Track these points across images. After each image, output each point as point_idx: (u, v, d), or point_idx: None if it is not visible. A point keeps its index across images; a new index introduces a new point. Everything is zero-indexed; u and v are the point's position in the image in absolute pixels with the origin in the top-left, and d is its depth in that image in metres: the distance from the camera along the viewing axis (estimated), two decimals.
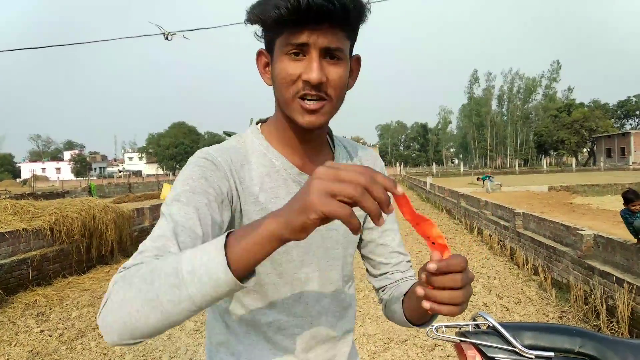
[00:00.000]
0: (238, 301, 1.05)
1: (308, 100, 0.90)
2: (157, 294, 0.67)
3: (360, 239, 1.20)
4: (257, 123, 1.08)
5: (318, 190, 0.62)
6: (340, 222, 1.01)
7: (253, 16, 0.89)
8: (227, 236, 0.68)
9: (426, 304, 0.74)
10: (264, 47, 0.97)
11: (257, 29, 0.96)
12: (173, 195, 0.88)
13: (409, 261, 1.23)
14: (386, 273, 1.20)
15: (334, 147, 1.12)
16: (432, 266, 0.72)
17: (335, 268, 1.09)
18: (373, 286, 1.24)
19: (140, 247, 0.79)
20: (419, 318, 1.02)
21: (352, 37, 0.95)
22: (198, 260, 0.67)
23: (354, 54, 1.00)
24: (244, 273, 0.68)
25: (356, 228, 0.63)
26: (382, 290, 1.21)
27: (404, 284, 1.14)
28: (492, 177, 25.20)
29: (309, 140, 1.02)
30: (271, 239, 0.66)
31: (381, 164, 1.22)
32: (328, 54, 0.89)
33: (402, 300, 1.07)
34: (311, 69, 0.87)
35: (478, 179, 28.26)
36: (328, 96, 0.91)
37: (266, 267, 1.01)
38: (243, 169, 0.98)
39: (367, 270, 1.24)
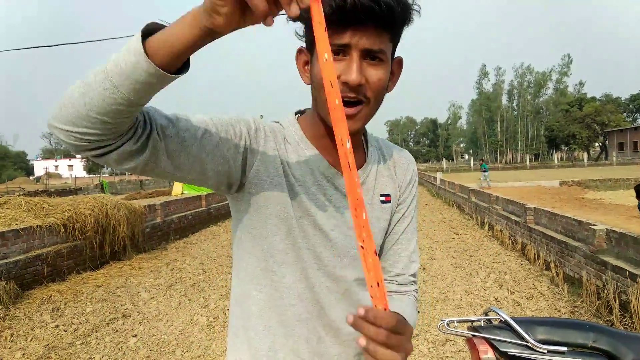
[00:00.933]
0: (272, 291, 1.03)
1: (345, 104, 0.86)
2: (88, 82, 0.71)
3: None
4: (295, 114, 1.08)
5: None
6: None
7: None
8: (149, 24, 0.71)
9: (362, 341, 0.72)
10: (304, 45, 0.96)
11: (299, 26, 0.96)
12: (221, 114, 0.93)
13: (412, 275, 1.18)
14: (385, 279, 1.14)
15: (367, 148, 1.10)
16: (361, 311, 0.72)
17: (352, 268, 1.06)
18: None
19: None
20: None
21: (396, 39, 0.93)
22: (123, 51, 0.69)
23: (396, 55, 0.97)
24: (167, 59, 0.69)
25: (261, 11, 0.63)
26: None
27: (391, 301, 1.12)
28: (487, 172, 23.38)
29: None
30: (191, 24, 0.67)
31: (414, 168, 1.19)
32: (369, 55, 0.87)
33: None
34: (351, 70, 0.85)
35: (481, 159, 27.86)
36: (367, 99, 0.90)
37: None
38: (280, 148, 0.99)
39: None
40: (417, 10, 0.90)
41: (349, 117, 0.88)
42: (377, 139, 1.16)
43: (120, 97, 0.69)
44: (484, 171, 23.37)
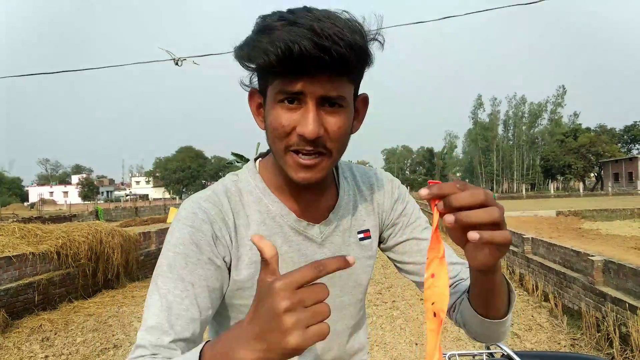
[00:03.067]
0: None
1: (303, 155, 0.81)
2: None
3: (405, 267, 1.08)
4: (255, 159, 1.00)
5: (295, 329, 0.57)
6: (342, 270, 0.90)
7: (242, 57, 0.80)
8: (201, 354, 0.66)
9: (473, 234, 0.65)
10: (256, 88, 0.88)
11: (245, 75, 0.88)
12: (165, 264, 0.83)
13: (468, 267, 1.06)
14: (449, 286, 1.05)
15: (339, 182, 1.03)
16: (424, 191, 0.68)
17: (341, 319, 1.01)
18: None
19: (139, 339, 0.79)
20: (491, 306, 0.91)
21: (357, 80, 0.85)
22: None
23: (361, 92, 0.91)
24: None
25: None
26: (453, 310, 1.06)
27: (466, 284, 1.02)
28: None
29: (311, 188, 0.91)
30: None
31: (397, 186, 1.11)
32: (327, 102, 0.79)
33: (468, 296, 0.96)
34: (307, 121, 0.77)
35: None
36: (327, 150, 0.82)
37: None
38: (238, 216, 0.90)
39: None
40: (380, 42, 0.82)
41: (307, 167, 0.81)
42: (351, 167, 1.09)
43: None
44: None
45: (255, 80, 0.89)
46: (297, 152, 0.81)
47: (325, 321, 0.58)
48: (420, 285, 1.05)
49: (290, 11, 0.77)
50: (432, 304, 0.69)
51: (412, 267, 1.06)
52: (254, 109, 0.90)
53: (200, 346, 0.66)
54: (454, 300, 1.05)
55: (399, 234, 1.07)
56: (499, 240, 0.65)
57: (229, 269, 0.89)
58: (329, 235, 0.97)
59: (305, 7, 0.78)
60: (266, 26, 0.75)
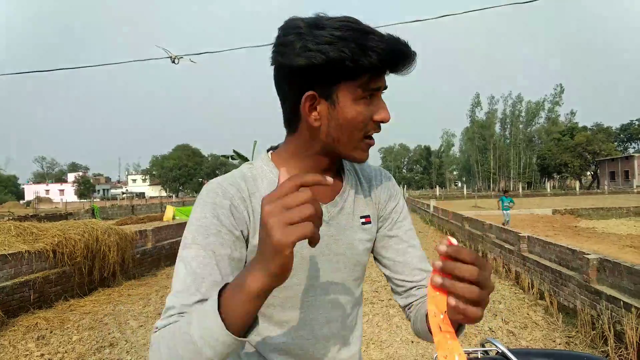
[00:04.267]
0: None
1: (371, 139, 0.98)
2: (181, 356, 0.75)
3: (380, 259, 1.19)
4: (267, 151, 1.10)
5: (277, 226, 0.65)
6: (346, 246, 1.05)
7: (336, 56, 0.85)
8: (220, 295, 0.74)
9: (451, 300, 0.70)
10: (311, 90, 0.92)
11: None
12: (189, 237, 0.92)
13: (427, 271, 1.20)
14: (410, 289, 1.16)
15: (343, 171, 1.13)
16: (443, 247, 0.72)
17: (342, 292, 1.09)
18: (399, 305, 1.21)
19: (168, 301, 0.87)
20: None
21: None
22: (202, 327, 0.73)
23: None
24: (243, 328, 0.73)
25: (317, 241, 0.67)
26: (409, 308, 1.17)
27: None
28: (508, 208, 16.54)
29: (328, 170, 1.05)
30: (258, 295, 0.70)
31: (393, 183, 1.22)
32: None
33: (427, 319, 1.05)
34: (384, 109, 0.94)
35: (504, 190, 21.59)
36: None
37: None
38: (254, 196, 0.99)
39: (392, 289, 1.22)
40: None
41: (370, 146, 0.99)
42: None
43: None
44: (504, 206, 16.58)
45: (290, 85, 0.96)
46: (369, 137, 0.97)
47: (312, 225, 0.65)
48: (389, 279, 1.19)
49: (342, 20, 0.88)
50: None
51: (387, 262, 1.18)
52: (305, 109, 0.96)
53: (219, 288, 0.75)
54: (411, 300, 1.16)
55: (387, 229, 1.18)
56: (470, 316, 0.70)
57: (247, 241, 0.98)
58: (335, 216, 1.07)
59: (345, 16, 0.90)
60: (341, 35, 0.85)
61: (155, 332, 0.83)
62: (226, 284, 0.75)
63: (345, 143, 0.96)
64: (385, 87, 0.95)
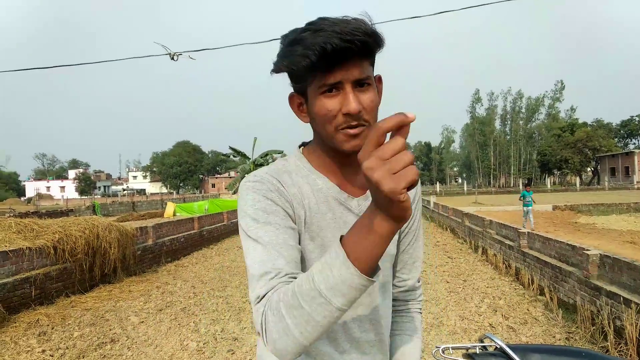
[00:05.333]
0: None
1: (350, 129, 0.98)
2: (310, 314, 0.78)
3: None
4: (299, 147, 1.18)
5: (383, 178, 0.67)
6: None
7: (282, 68, 0.98)
8: (341, 245, 0.77)
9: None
10: (293, 91, 1.06)
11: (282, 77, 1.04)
12: (250, 219, 0.98)
13: (418, 280, 1.32)
14: (395, 297, 1.28)
15: None
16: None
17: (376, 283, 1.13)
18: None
19: (256, 270, 0.91)
20: None
21: (373, 62, 1.03)
22: (331, 277, 0.76)
23: (376, 74, 1.08)
24: (372, 270, 0.77)
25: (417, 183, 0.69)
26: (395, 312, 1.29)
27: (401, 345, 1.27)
28: (529, 203, 15.26)
29: (348, 164, 1.09)
30: (387, 237, 0.74)
31: (419, 184, 1.23)
32: (358, 84, 0.97)
33: None
34: (349, 101, 0.95)
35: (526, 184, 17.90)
36: (366, 122, 0.99)
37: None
38: (291, 187, 1.07)
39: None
40: (383, 37, 0.99)
41: (354, 136, 0.98)
42: None
43: (345, 312, 0.80)
44: (527, 201, 15.28)
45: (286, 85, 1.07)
46: (344, 129, 0.98)
47: (414, 168, 0.68)
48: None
49: (310, 23, 0.96)
50: None
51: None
52: (295, 109, 1.09)
53: (337, 240, 0.80)
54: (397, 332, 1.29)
55: (403, 242, 1.27)
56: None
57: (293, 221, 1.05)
58: (365, 209, 1.07)
59: (320, 18, 0.97)
60: (295, 39, 0.94)
61: (259, 300, 0.86)
62: (341, 237, 0.79)
63: (325, 136, 1.02)
64: (360, 79, 0.96)
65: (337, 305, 0.77)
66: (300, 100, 1.05)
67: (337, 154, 1.06)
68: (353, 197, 1.11)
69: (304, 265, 1.05)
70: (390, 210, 0.71)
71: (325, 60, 0.91)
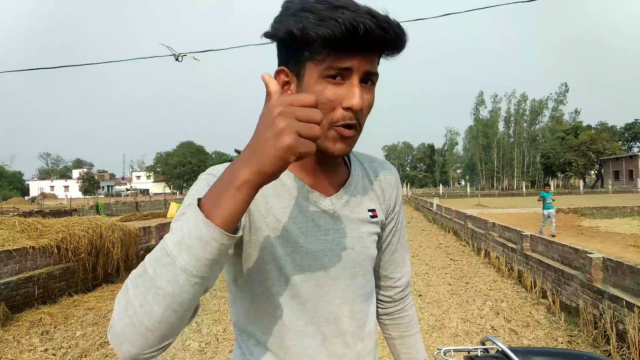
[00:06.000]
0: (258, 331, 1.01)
1: (344, 128, 0.88)
2: (152, 280, 0.65)
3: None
4: None
5: (288, 131, 0.62)
6: (353, 239, 1.02)
7: (289, 29, 0.83)
8: (199, 200, 0.68)
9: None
10: (282, 66, 0.92)
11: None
12: (181, 209, 0.84)
13: (407, 283, 1.26)
14: (393, 298, 1.24)
15: (350, 164, 1.09)
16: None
17: (351, 287, 1.04)
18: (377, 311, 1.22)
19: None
20: None
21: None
22: (180, 232, 0.66)
23: None
24: (230, 226, 0.66)
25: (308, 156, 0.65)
26: (388, 317, 1.28)
27: (402, 342, 1.26)
28: (551, 206, 13.97)
29: (326, 162, 1.00)
30: (248, 189, 0.65)
31: (397, 176, 1.18)
32: (365, 79, 0.88)
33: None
34: (354, 95, 0.85)
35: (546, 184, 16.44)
36: (359, 124, 0.90)
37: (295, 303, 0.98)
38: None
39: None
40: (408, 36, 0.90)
41: (346, 138, 0.89)
42: (358, 154, 1.14)
43: (198, 278, 0.66)
44: (547, 203, 13.98)
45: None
46: (340, 126, 0.87)
47: (314, 143, 0.64)
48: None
49: None
50: None
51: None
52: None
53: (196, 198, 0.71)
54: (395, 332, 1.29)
55: (386, 240, 1.18)
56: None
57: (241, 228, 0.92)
58: (340, 208, 1.02)
59: None
60: (306, 8, 0.82)
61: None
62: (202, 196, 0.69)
63: None
64: (371, 73, 0.87)
65: (182, 265, 0.64)
66: (289, 79, 0.91)
67: (318, 152, 0.92)
68: (325, 196, 1.00)
69: (282, 277, 0.95)
70: (268, 164, 0.63)
71: (350, 39, 0.80)
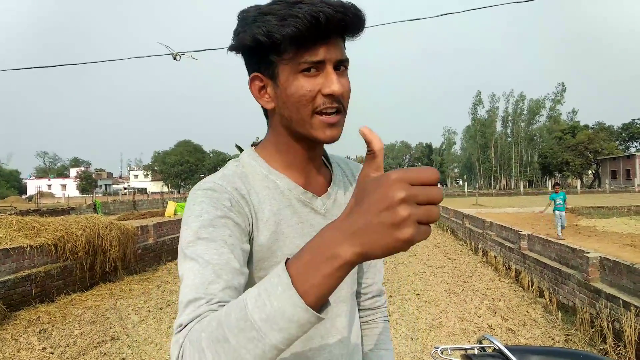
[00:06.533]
0: None
1: (327, 115, 0.88)
2: (237, 351, 0.61)
3: None
4: (252, 145, 1.06)
5: (410, 219, 0.55)
6: None
7: (255, 37, 0.84)
8: (287, 268, 0.61)
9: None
10: (255, 72, 0.92)
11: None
12: (191, 234, 0.82)
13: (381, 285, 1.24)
14: (362, 305, 1.20)
15: (330, 164, 1.10)
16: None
17: (345, 286, 1.06)
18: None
19: (186, 295, 0.74)
20: None
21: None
22: (269, 307, 0.60)
23: None
24: (319, 305, 0.61)
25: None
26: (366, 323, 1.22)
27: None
28: (562, 207, 13.03)
29: (312, 159, 1.00)
30: (347, 267, 0.59)
31: None
32: (337, 66, 0.88)
33: None
34: (332, 81, 0.86)
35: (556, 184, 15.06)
36: (343, 108, 0.91)
37: None
38: (249, 193, 0.94)
39: None
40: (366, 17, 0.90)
41: (332, 125, 0.89)
42: (333, 155, 1.15)
43: (282, 351, 0.63)
44: (558, 204, 13.07)
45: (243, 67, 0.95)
46: (321, 113, 0.87)
47: (429, 229, 0.57)
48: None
49: None
50: None
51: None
52: (255, 92, 0.94)
53: (282, 262, 0.63)
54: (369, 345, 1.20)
55: None
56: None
57: (250, 238, 0.92)
58: (330, 208, 1.03)
59: None
60: (264, 12, 0.83)
61: (180, 330, 0.69)
62: (287, 259, 0.63)
63: (297, 121, 0.90)
64: (342, 60, 0.88)
65: (272, 342, 0.60)
66: (263, 83, 0.92)
67: (303, 146, 0.96)
68: (316, 195, 1.00)
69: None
70: (375, 246, 0.56)
71: (315, 31, 0.81)
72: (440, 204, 0.58)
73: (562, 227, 12.92)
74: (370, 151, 0.64)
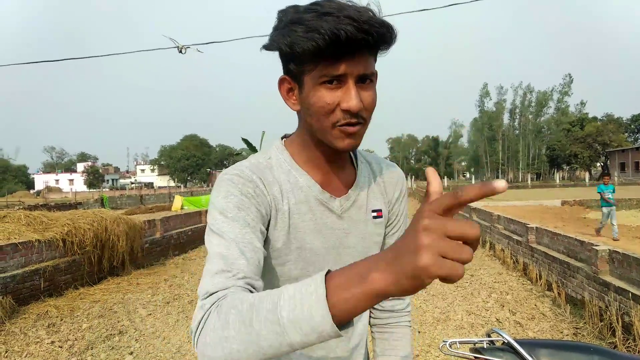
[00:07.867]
0: None
1: (349, 126, 0.91)
2: (257, 337, 0.67)
3: None
4: (281, 138, 1.10)
5: (431, 251, 0.55)
6: (357, 239, 1.07)
7: (279, 46, 0.89)
8: (325, 281, 0.64)
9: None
10: (284, 74, 0.97)
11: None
12: (217, 212, 0.90)
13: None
14: (382, 306, 1.23)
15: (357, 163, 1.12)
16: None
17: None
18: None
19: (212, 266, 0.82)
20: None
21: (376, 57, 0.96)
22: (299, 310, 0.64)
23: None
24: (343, 323, 0.65)
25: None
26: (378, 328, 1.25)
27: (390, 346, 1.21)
28: (612, 201, 11.05)
29: (334, 161, 1.04)
30: (377, 296, 0.61)
31: (404, 184, 1.20)
32: (361, 79, 0.90)
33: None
34: (350, 97, 0.88)
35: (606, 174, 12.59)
36: (364, 119, 0.93)
37: None
38: (272, 185, 0.99)
39: None
40: (397, 33, 0.90)
41: (351, 135, 0.92)
42: (366, 154, 1.18)
43: (294, 351, 0.69)
44: (607, 200, 11.09)
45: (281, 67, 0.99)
46: (342, 125, 0.91)
47: (462, 269, 0.56)
48: None
49: (314, 3, 0.87)
50: None
51: None
52: (284, 94, 0.99)
53: (323, 271, 0.66)
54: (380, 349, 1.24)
55: (385, 241, 1.18)
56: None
57: (268, 227, 0.98)
58: (348, 209, 1.06)
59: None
60: (295, 19, 0.86)
61: (208, 296, 0.76)
62: (328, 271, 0.66)
63: (319, 129, 0.94)
64: (365, 75, 0.89)
65: (291, 341, 0.65)
66: (291, 85, 0.96)
67: (326, 149, 0.99)
68: (335, 197, 1.05)
69: (280, 267, 1.01)
70: (405, 279, 0.58)
71: (334, 48, 0.83)
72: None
73: (613, 225, 11.04)
74: (427, 193, 0.65)
